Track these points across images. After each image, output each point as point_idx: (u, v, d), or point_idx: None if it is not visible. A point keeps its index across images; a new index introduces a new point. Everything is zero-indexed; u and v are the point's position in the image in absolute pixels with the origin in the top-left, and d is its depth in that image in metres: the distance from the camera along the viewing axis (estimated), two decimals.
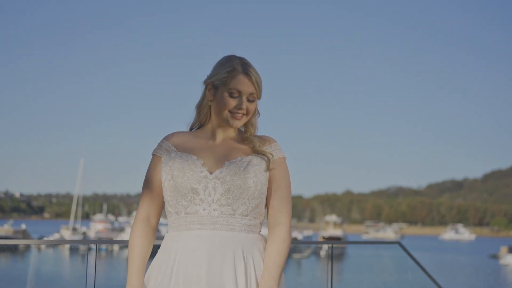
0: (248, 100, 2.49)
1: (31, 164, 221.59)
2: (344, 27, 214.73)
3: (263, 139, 2.54)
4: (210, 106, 2.54)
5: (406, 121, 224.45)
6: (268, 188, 2.49)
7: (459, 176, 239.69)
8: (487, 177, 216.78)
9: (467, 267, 46.53)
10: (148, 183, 2.50)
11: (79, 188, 59.72)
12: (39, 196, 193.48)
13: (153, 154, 2.53)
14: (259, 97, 2.52)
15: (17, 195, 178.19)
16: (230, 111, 2.47)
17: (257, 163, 2.45)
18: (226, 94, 2.46)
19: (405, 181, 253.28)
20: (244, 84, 2.46)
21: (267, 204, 2.51)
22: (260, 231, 2.51)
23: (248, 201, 2.41)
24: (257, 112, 2.58)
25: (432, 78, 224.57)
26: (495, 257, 55.73)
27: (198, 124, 2.61)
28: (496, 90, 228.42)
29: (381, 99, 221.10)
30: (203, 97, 2.56)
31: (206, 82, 2.53)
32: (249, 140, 2.53)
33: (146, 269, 2.48)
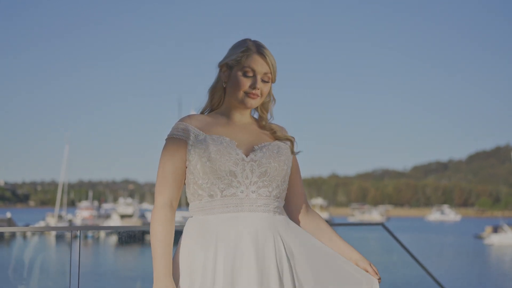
0: (263, 81, 2.48)
1: (15, 152, 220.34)
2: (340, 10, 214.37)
3: (280, 127, 2.59)
4: (224, 89, 2.53)
5: (390, 104, 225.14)
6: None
7: (444, 157, 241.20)
8: (472, 158, 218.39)
9: (452, 248, 46.97)
10: (171, 167, 2.40)
11: (64, 175, 59.43)
12: (24, 184, 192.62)
13: (172, 138, 2.42)
14: (273, 80, 2.51)
15: (1, 183, 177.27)
16: (245, 92, 2.45)
17: (285, 148, 2.50)
18: (240, 74, 2.45)
19: (390, 163, 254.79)
20: (258, 64, 2.45)
21: (289, 189, 2.57)
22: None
23: (281, 184, 2.45)
24: (272, 98, 2.58)
25: (419, 59, 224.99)
26: (479, 237, 56.27)
27: (209, 109, 2.58)
28: (481, 72, 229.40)
29: (365, 80, 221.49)
30: (217, 79, 2.54)
31: (220, 64, 2.51)
32: (268, 127, 2.55)
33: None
